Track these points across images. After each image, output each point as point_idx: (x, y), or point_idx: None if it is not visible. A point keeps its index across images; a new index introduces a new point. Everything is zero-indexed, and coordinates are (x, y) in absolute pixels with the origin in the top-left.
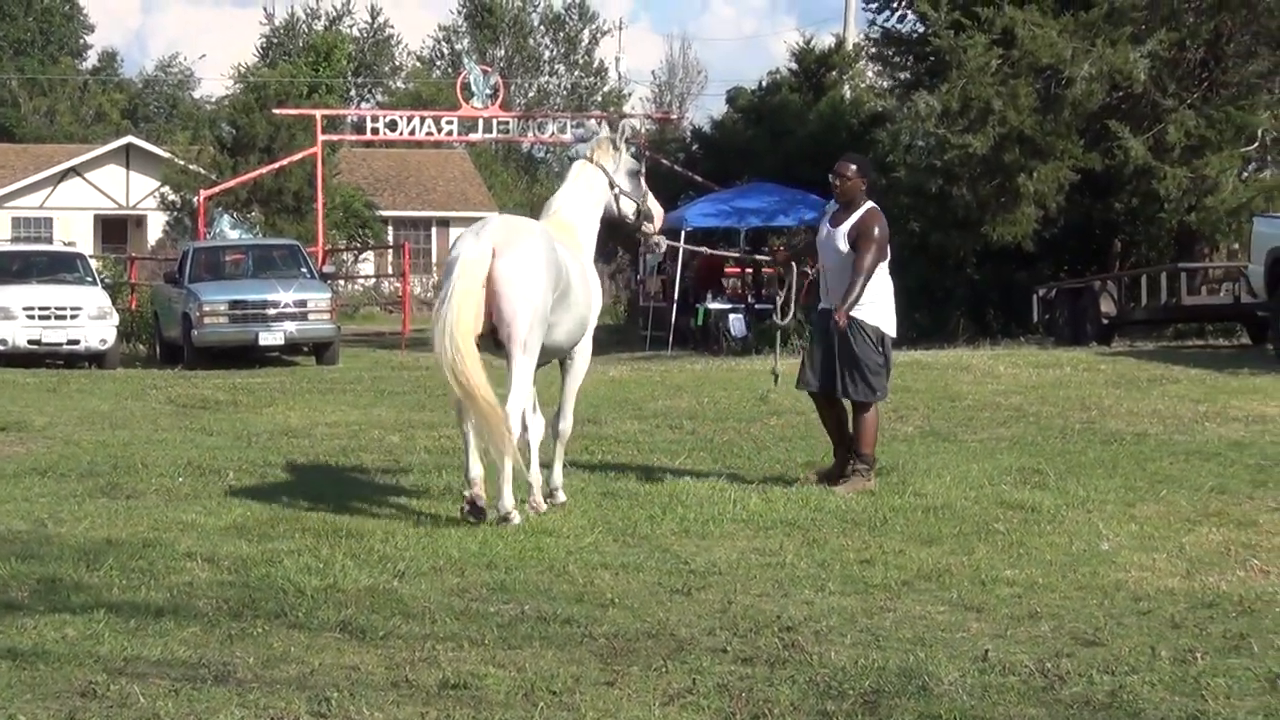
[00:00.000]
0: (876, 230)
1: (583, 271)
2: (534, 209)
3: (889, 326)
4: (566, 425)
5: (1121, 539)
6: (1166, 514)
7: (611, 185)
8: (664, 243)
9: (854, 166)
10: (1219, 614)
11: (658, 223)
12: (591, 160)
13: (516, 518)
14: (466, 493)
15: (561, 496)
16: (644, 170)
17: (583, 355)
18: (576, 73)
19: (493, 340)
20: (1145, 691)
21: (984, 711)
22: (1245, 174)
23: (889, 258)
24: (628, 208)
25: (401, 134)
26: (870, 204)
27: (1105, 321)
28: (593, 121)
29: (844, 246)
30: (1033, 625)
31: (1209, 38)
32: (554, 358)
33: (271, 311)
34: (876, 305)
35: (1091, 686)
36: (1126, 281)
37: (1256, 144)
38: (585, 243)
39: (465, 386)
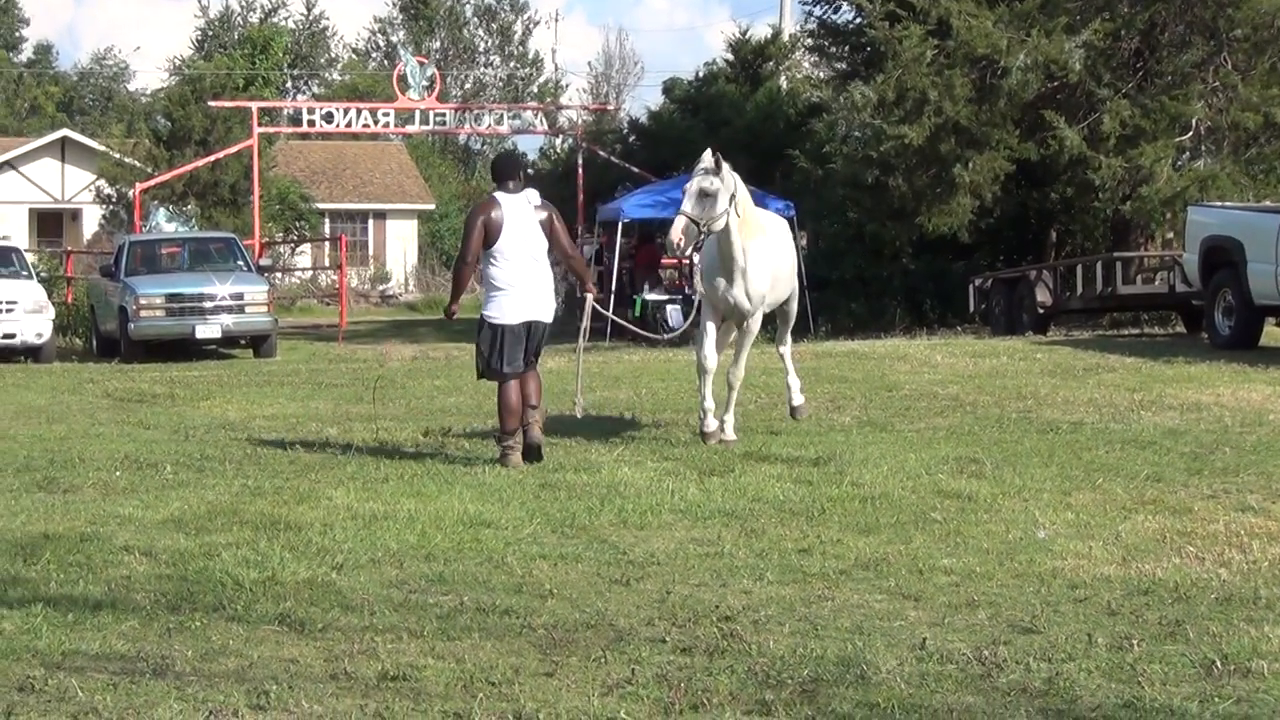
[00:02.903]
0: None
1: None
2: (470, 200)
3: (489, 312)
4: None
5: (1058, 527)
6: (1102, 502)
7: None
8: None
9: None
10: (1154, 601)
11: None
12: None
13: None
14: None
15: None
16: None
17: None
18: (512, 64)
19: None
20: (1082, 678)
21: (922, 699)
22: (1180, 163)
23: (493, 244)
24: None
25: (338, 126)
26: None
27: (1041, 311)
28: (529, 113)
29: None
30: (970, 613)
31: (1143, 28)
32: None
33: (208, 304)
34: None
35: (1028, 674)
36: (1062, 271)
37: (1191, 133)
38: None
39: None
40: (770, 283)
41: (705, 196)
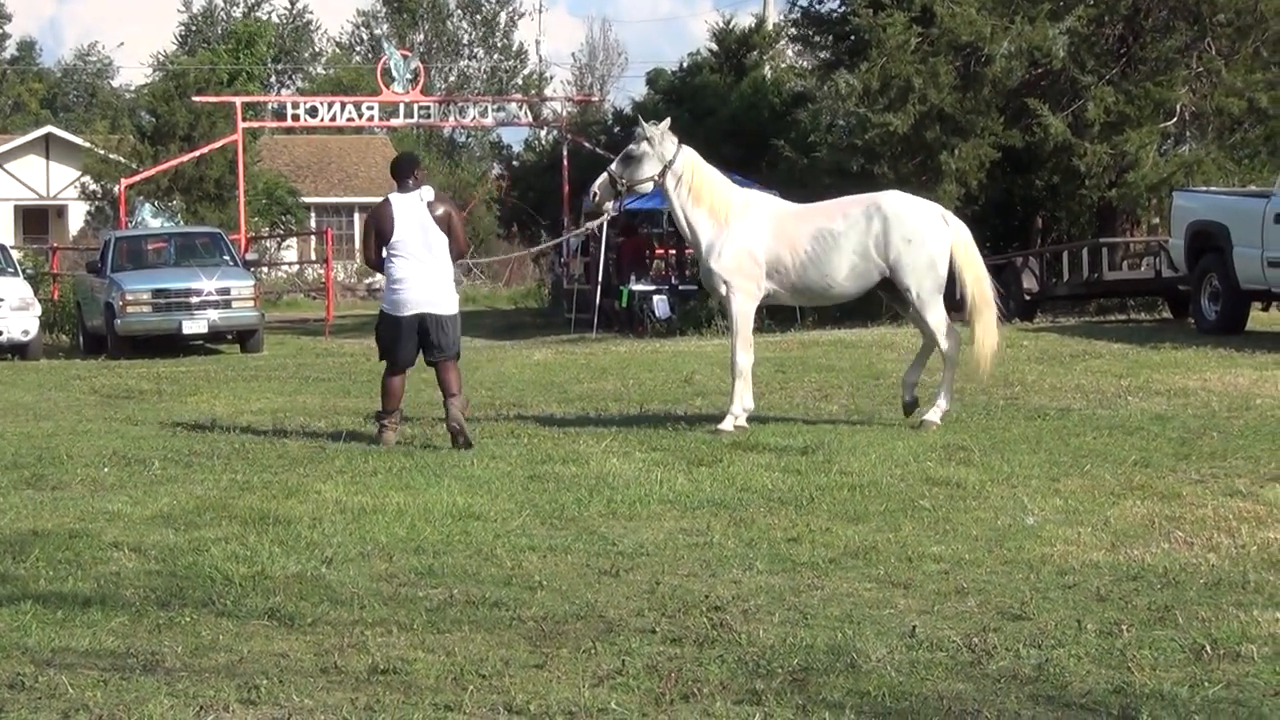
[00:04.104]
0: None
1: None
2: (454, 193)
3: (385, 305)
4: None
5: (1046, 513)
6: (1091, 488)
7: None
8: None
9: None
10: (1144, 586)
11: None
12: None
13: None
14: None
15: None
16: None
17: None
18: (496, 56)
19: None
20: (1071, 664)
21: (912, 687)
22: (1164, 149)
23: (387, 240)
24: None
25: (322, 120)
26: None
27: (1028, 297)
28: (513, 105)
29: None
30: (959, 601)
31: (1127, 13)
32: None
33: (195, 300)
34: None
35: (1018, 660)
36: (1048, 257)
37: (1175, 119)
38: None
39: None
40: (741, 264)
41: (629, 159)
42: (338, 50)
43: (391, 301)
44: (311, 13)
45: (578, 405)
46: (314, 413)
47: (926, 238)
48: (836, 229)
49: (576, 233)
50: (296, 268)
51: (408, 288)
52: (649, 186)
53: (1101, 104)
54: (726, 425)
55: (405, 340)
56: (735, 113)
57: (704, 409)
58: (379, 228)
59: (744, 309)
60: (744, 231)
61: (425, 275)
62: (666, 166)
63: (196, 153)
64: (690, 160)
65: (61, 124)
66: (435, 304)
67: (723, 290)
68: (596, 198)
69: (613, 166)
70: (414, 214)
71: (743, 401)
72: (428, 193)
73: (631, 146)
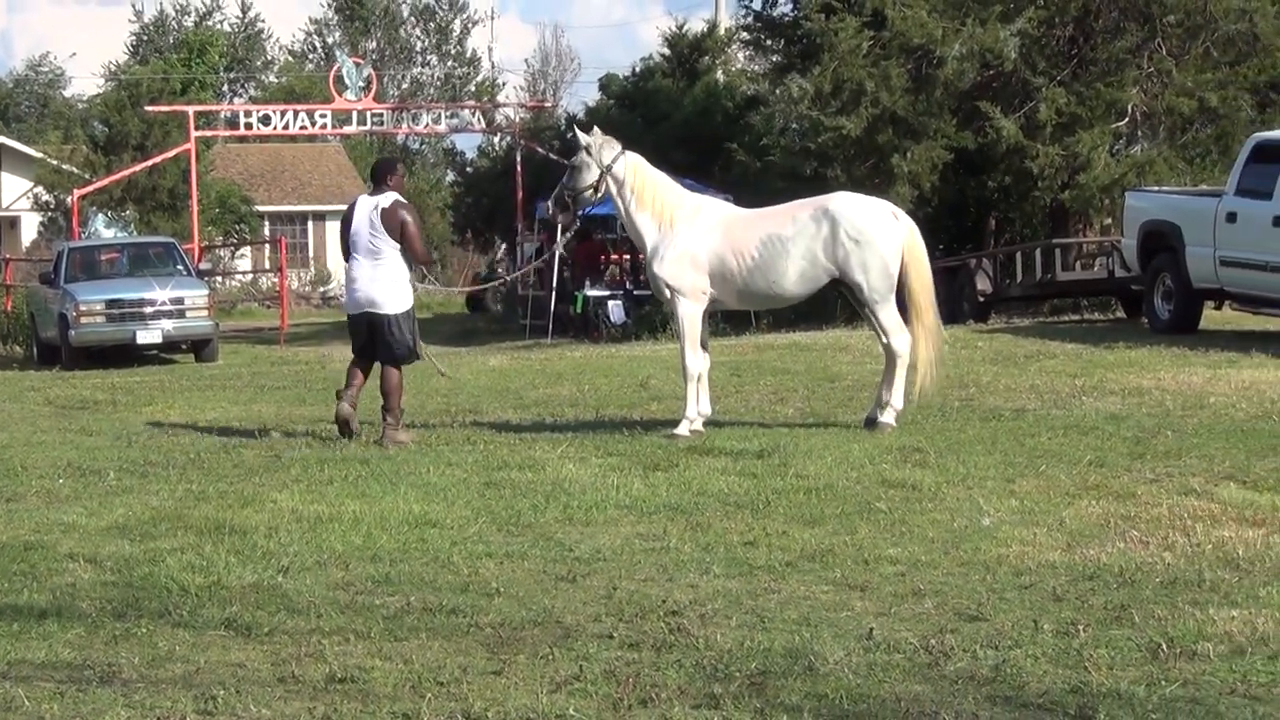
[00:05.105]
0: None
1: None
2: (413, 198)
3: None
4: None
5: (1002, 514)
6: (1046, 488)
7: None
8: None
9: None
10: (1100, 586)
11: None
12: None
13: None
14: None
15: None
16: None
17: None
18: (449, 63)
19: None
20: (1029, 665)
21: (870, 689)
22: (1116, 149)
23: (345, 240)
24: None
25: (275, 128)
26: None
27: (982, 299)
28: (466, 112)
29: None
30: (916, 602)
31: (1077, 14)
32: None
33: (148, 310)
34: None
35: (975, 661)
36: (1002, 259)
37: (1126, 120)
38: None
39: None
40: (683, 269)
41: (574, 170)
42: (290, 58)
43: (345, 301)
44: (263, 21)
45: (533, 411)
46: (269, 421)
47: (875, 237)
48: (785, 234)
49: (546, 257)
50: (250, 277)
51: (353, 287)
52: (590, 193)
53: (1053, 105)
54: (682, 430)
55: (357, 337)
56: (688, 117)
57: (660, 414)
58: (342, 224)
59: (689, 313)
60: (689, 236)
61: (367, 277)
62: (605, 171)
63: (149, 162)
64: (633, 164)
65: (13, 134)
66: (375, 304)
67: (666, 294)
68: (548, 208)
69: (564, 178)
70: (365, 215)
71: (697, 405)
72: (386, 198)
73: (574, 158)
